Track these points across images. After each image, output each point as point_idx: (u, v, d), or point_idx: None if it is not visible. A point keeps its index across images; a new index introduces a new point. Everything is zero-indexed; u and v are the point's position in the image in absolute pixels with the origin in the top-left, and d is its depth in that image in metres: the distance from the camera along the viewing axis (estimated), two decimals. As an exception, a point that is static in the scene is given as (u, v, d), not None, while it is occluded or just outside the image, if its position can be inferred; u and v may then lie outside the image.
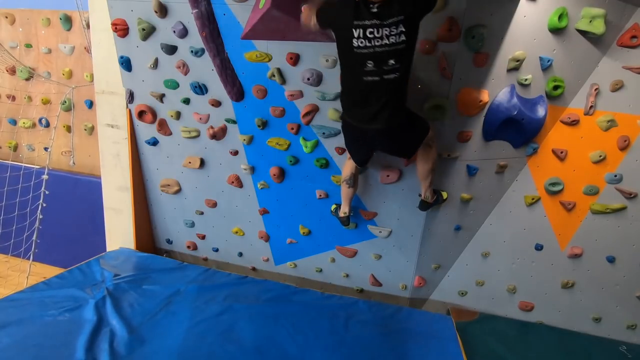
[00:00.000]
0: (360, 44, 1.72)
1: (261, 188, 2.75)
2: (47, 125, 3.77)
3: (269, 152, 2.61)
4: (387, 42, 1.70)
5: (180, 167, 2.84)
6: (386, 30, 1.68)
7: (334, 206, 2.62)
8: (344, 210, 2.48)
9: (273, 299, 2.56)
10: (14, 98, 3.78)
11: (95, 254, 2.92)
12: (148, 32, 2.45)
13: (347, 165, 2.34)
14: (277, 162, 2.64)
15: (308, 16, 1.93)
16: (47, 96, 3.69)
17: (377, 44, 1.71)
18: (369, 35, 1.70)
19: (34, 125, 3.84)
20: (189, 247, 3.13)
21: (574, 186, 2.47)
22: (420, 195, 2.36)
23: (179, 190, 2.94)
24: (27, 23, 3.55)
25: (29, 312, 2.15)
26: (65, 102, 3.59)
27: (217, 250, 3.09)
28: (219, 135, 2.64)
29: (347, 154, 2.33)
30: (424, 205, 2.39)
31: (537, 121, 2.29)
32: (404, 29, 1.68)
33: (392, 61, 1.73)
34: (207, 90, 2.54)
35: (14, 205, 3.48)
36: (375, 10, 1.68)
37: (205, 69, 2.46)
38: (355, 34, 1.71)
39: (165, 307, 2.34)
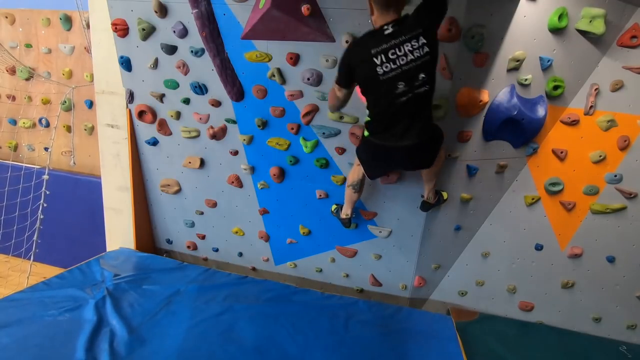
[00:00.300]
0: (385, 69, 1.70)
1: (261, 188, 2.75)
2: (47, 125, 3.77)
3: (269, 152, 2.62)
4: (412, 57, 1.67)
5: (180, 167, 2.85)
6: (407, 46, 1.66)
7: (334, 206, 2.62)
8: (346, 212, 2.48)
9: (273, 299, 2.56)
10: (14, 98, 3.78)
11: (95, 254, 2.92)
12: (148, 32, 2.45)
13: (355, 171, 2.30)
14: (277, 162, 2.64)
15: (330, 95, 2.00)
16: (47, 96, 3.69)
17: (402, 62, 1.68)
18: (391, 57, 1.67)
19: (34, 125, 3.84)
20: (189, 247, 3.13)
21: (574, 186, 2.47)
22: (422, 196, 2.37)
23: (179, 190, 2.94)
24: (27, 23, 3.55)
25: (29, 312, 2.15)
26: (65, 102, 3.60)
27: (217, 250, 3.10)
28: (219, 135, 2.64)
29: (355, 160, 2.28)
30: (425, 206, 2.40)
31: (537, 121, 2.29)
32: (425, 41, 1.66)
33: (422, 75, 1.70)
34: (207, 90, 2.54)
35: (15, 206, 3.49)
36: (390, 30, 1.67)
37: (205, 69, 2.46)
38: (378, 62, 1.69)
39: (165, 307, 2.34)
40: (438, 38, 1.74)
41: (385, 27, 1.68)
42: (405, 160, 2.01)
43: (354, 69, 1.80)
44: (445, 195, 2.41)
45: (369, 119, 1.95)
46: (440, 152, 2.11)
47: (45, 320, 2.11)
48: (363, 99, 2.23)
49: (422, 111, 1.81)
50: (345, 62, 1.83)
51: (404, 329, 2.39)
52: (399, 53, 1.66)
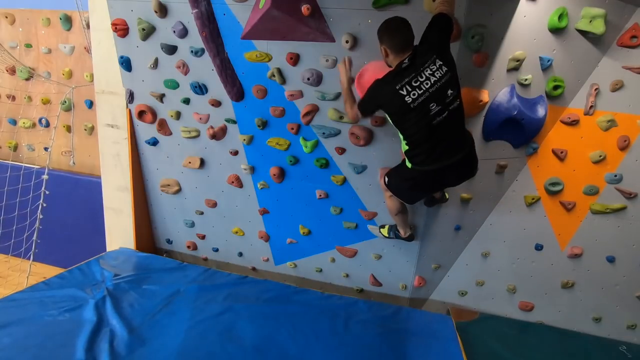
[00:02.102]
0: (413, 97, 1.79)
1: (261, 188, 2.75)
2: (47, 125, 3.77)
3: (269, 152, 2.61)
4: (435, 78, 1.78)
5: (180, 167, 2.85)
6: (427, 71, 1.77)
7: (385, 230, 2.56)
8: (405, 231, 2.43)
9: (273, 299, 2.55)
10: (14, 98, 3.78)
11: (95, 254, 2.92)
12: (148, 32, 2.45)
13: (391, 201, 2.27)
14: (277, 162, 2.64)
15: (353, 112, 2.04)
16: (47, 96, 3.69)
17: (427, 86, 1.78)
18: (415, 84, 1.78)
19: (34, 125, 3.84)
20: (189, 247, 3.13)
21: (574, 186, 2.47)
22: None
23: (179, 190, 2.94)
24: (27, 23, 3.55)
25: (29, 312, 2.15)
26: (65, 102, 3.59)
27: (217, 250, 3.09)
28: (219, 135, 2.64)
29: (384, 192, 2.27)
30: (430, 202, 2.39)
31: (537, 121, 2.29)
32: (441, 62, 1.78)
33: (450, 91, 1.80)
34: (207, 90, 2.54)
35: (14, 206, 3.48)
36: (407, 64, 1.79)
37: (205, 69, 2.46)
38: (404, 93, 1.79)
39: (165, 307, 2.34)
40: (450, 51, 1.84)
41: (403, 63, 1.81)
42: (454, 175, 2.02)
43: (381, 105, 1.92)
44: (446, 195, 2.41)
45: (407, 147, 1.98)
46: None
47: (45, 320, 2.11)
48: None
49: (460, 124, 1.90)
50: (373, 99, 1.94)
51: (404, 329, 2.39)
52: (420, 79, 1.78)
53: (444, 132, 1.85)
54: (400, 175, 2.10)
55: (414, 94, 1.78)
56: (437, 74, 1.77)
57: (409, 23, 1.84)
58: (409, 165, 2.00)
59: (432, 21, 1.81)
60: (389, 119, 1.97)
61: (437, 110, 1.80)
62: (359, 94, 2.25)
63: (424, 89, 1.78)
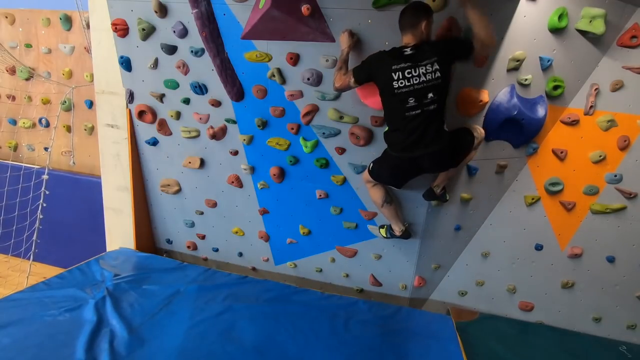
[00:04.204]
0: (400, 85, 1.91)
1: (261, 188, 2.75)
2: (47, 125, 3.77)
3: (269, 152, 2.61)
4: (424, 79, 1.89)
5: (180, 167, 2.85)
6: (422, 69, 1.88)
7: (383, 230, 2.59)
8: (399, 227, 2.47)
9: (273, 299, 2.55)
10: (14, 98, 3.78)
11: (95, 254, 2.92)
12: (148, 32, 2.45)
13: (374, 191, 2.37)
14: (277, 162, 2.64)
15: (343, 79, 2.08)
16: (47, 96, 3.69)
17: (415, 82, 1.90)
18: (407, 75, 1.90)
19: (34, 125, 3.84)
20: (189, 247, 3.13)
21: (574, 186, 2.47)
22: (431, 185, 2.35)
23: (179, 190, 2.94)
24: (27, 23, 3.55)
25: (29, 312, 2.15)
26: (65, 102, 3.59)
27: (217, 250, 3.09)
28: (219, 135, 2.64)
29: (366, 183, 2.38)
30: (430, 195, 2.38)
31: (537, 121, 2.29)
32: (438, 67, 1.88)
33: (430, 94, 1.91)
34: (207, 90, 2.54)
35: (14, 205, 3.48)
36: (408, 52, 1.89)
37: (205, 69, 2.46)
38: (395, 77, 1.91)
39: (165, 307, 2.34)
40: (454, 69, 1.97)
41: (405, 49, 1.90)
42: (428, 163, 2.11)
43: (374, 72, 2.00)
44: (447, 196, 2.41)
45: (386, 129, 2.16)
46: (471, 153, 2.18)
47: (45, 320, 2.11)
48: (365, 102, 2.25)
49: (434, 125, 1.98)
50: (369, 63, 2.01)
51: (404, 329, 2.39)
52: (414, 73, 1.89)
53: (415, 127, 1.96)
54: (381, 161, 2.22)
55: (401, 83, 1.91)
56: (429, 75, 1.88)
57: (420, 8, 1.89)
58: (388, 150, 2.14)
59: (458, 38, 1.97)
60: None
61: (412, 106, 1.93)
62: (359, 94, 2.26)
63: (412, 83, 1.90)
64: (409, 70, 1.89)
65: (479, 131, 2.17)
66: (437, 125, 1.99)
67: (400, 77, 1.90)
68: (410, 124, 1.96)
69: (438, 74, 1.88)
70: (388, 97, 2.00)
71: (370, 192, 2.39)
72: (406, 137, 2.00)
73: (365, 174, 2.35)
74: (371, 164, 2.28)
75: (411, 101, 1.92)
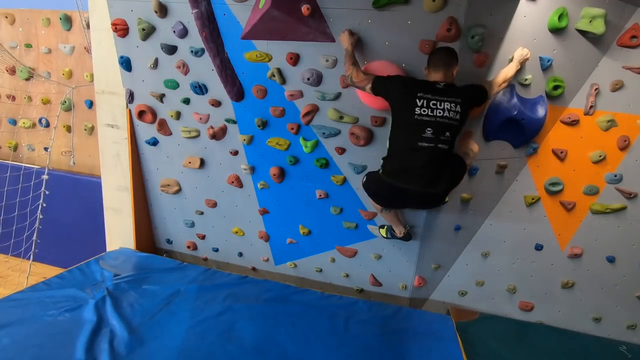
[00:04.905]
0: (422, 112, 1.91)
1: (261, 188, 2.75)
2: (47, 125, 3.77)
3: (269, 152, 2.61)
4: (447, 114, 1.92)
5: (180, 167, 2.85)
6: (447, 104, 1.92)
7: (383, 231, 2.59)
8: (400, 230, 2.48)
9: (273, 299, 2.55)
10: (14, 98, 3.78)
11: (95, 254, 2.92)
12: (148, 32, 2.45)
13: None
14: (277, 162, 2.64)
15: (361, 79, 2.04)
16: (47, 96, 3.69)
17: (438, 114, 1.91)
18: (431, 105, 1.91)
19: (34, 125, 3.84)
20: (189, 247, 3.13)
21: (574, 186, 2.47)
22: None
23: (179, 190, 2.94)
24: (27, 23, 3.55)
25: (29, 312, 2.15)
26: (65, 102, 3.59)
27: (217, 250, 3.09)
28: (219, 135, 2.64)
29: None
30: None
31: (537, 121, 2.29)
32: (459, 110, 1.93)
33: (448, 133, 1.94)
34: (207, 90, 2.54)
35: (14, 205, 3.48)
36: (441, 87, 1.93)
37: (205, 69, 2.46)
38: (419, 103, 1.91)
39: (165, 307, 2.34)
40: (470, 111, 2.02)
41: (438, 84, 1.94)
42: (417, 202, 2.17)
43: (394, 93, 1.98)
44: (446, 198, 2.42)
45: (388, 148, 2.10)
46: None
47: (45, 320, 2.11)
48: (365, 102, 2.24)
49: (447, 166, 2.01)
50: (393, 84, 1.99)
51: (404, 329, 2.39)
52: (439, 106, 1.91)
53: (421, 159, 1.95)
54: (372, 178, 2.21)
55: (424, 111, 1.91)
56: (451, 113, 1.92)
57: (454, 53, 1.97)
58: (380, 171, 2.11)
59: (482, 89, 2.02)
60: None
61: (428, 137, 1.92)
62: (359, 95, 2.26)
63: (435, 114, 1.91)
64: (435, 102, 1.90)
65: (474, 150, 2.17)
66: (443, 166, 1.99)
67: (424, 105, 1.90)
68: (419, 154, 1.94)
69: (458, 116, 1.92)
70: (404, 121, 1.97)
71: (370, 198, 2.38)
72: (409, 167, 1.98)
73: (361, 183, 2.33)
74: (365, 177, 2.26)
75: (428, 132, 1.91)
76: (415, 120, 1.91)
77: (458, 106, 1.92)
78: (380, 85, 2.01)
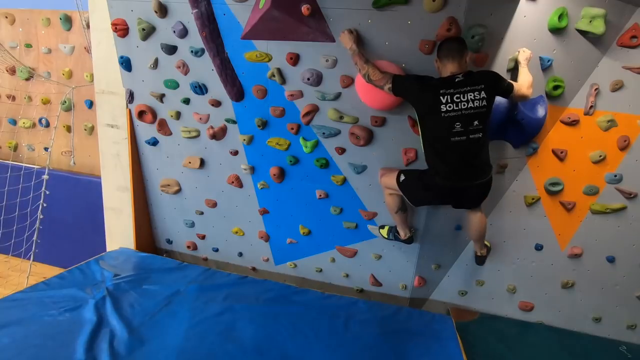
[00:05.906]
0: (448, 109, 1.91)
1: (261, 188, 2.75)
2: (47, 125, 3.77)
3: (269, 152, 2.61)
4: (472, 105, 1.91)
5: (180, 167, 2.85)
6: (471, 94, 1.91)
7: (385, 231, 2.58)
8: (405, 232, 2.47)
9: (273, 299, 2.55)
10: (14, 98, 3.78)
11: (95, 254, 2.92)
12: (148, 32, 2.45)
13: (391, 198, 2.34)
14: (277, 162, 2.64)
15: (379, 78, 2.02)
16: (47, 96, 3.69)
17: (463, 107, 1.91)
18: (455, 100, 1.91)
19: (34, 125, 3.84)
20: (189, 247, 3.13)
21: (574, 186, 2.47)
22: (476, 254, 2.50)
23: (179, 190, 2.94)
24: (27, 23, 3.55)
25: (29, 312, 2.15)
26: (65, 102, 3.60)
27: (217, 250, 3.10)
28: (219, 135, 2.64)
29: (385, 189, 2.36)
30: (481, 260, 2.51)
31: (537, 121, 2.29)
32: (485, 96, 1.92)
33: (476, 122, 1.93)
34: (207, 90, 2.54)
35: (15, 206, 3.49)
36: (460, 79, 1.91)
37: (205, 69, 2.46)
38: (443, 100, 1.91)
39: (165, 307, 2.34)
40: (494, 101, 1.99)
41: (456, 76, 1.92)
42: (469, 197, 2.17)
43: (415, 93, 1.99)
44: (488, 243, 2.52)
45: (425, 158, 2.10)
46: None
47: (45, 320, 2.11)
48: (365, 101, 2.24)
49: (483, 155, 2.03)
50: (414, 83, 1.99)
51: (404, 329, 2.39)
52: (462, 99, 1.91)
53: (457, 154, 1.97)
54: (417, 179, 2.17)
55: (449, 107, 1.91)
56: (476, 102, 1.91)
57: (463, 41, 1.96)
58: (431, 174, 2.09)
59: (502, 77, 1.98)
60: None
61: (459, 131, 1.93)
62: (359, 94, 2.25)
63: (460, 107, 1.91)
64: (458, 95, 1.90)
65: None
66: (484, 156, 2.02)
67: (449, 100, 1.90)
68: (455, 150, 1.96)
69: (484, 102, 1.91)
70: (432, 120, 1.97)
71: (386, 198, 2.38)
72: (451, 166, 2.00)
73: (390, 181, 2.27)
74: (402, 175, 2.20)
75: (457, 126, 1.92)
76: (443, 118, 1.92)
77: (482, 92, 1.91)
78: (401, 88, 2.01)
